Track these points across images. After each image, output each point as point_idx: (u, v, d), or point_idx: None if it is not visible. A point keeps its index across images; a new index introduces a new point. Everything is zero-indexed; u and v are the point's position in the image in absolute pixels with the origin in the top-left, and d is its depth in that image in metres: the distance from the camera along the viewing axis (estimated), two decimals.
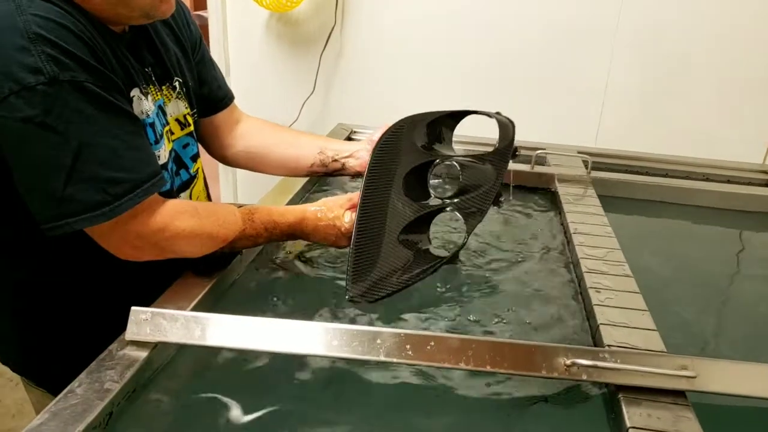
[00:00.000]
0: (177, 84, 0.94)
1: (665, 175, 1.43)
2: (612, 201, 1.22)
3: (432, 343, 0.67)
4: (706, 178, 1.42)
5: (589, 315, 0.83)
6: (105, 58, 0.73)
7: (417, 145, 1.07)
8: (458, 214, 0.98)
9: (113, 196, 0.71)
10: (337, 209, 0.92)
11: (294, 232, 0.91)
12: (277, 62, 1.92)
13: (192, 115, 0.98)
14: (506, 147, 1.06)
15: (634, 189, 1.31)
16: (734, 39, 1.65)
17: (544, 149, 1.39)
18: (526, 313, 0.86)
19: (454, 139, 1.16)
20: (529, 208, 1.24)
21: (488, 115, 1.13)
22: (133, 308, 0.71)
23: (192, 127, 0.97)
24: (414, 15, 1.77)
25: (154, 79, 0.88)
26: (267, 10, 1.80)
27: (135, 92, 0.81)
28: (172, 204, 0.79)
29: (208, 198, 1.08)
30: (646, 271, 0.96)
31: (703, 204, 1.29)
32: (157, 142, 0.85)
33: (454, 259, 0.95)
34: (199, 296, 0.80)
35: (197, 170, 1.00)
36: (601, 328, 0.77)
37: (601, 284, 0.88)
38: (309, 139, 1.15)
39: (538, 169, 1.33)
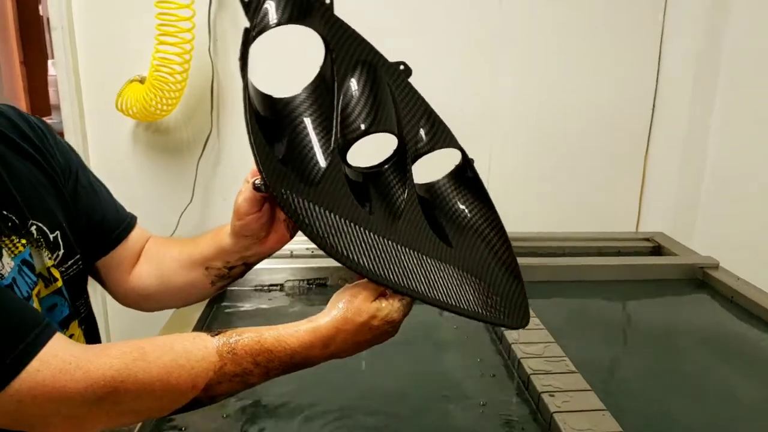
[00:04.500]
0: (33, 230, 0.72)
1: (563, 254, 1.48)
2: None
3: None
4: (600, 252, 1.48)
5: (551, 425, 0.77)
6: None
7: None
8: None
9: None
10: (362, 303, 0.63)
11: (305, 360, 0.64)
12: (149, 173, 1.77)
13: (64, 267, 0.76)
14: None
15: (539, 272, 1.32)
16: (600, 117, 1.80)
17: None
18: None
19: None
20: None
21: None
22: None
23: (60, 283, 0.75)
24: None
25: (12, 225, 0.69)
26: (134, 119, 1.66)
27: None
28: (101, 349, 0.60)
29: None
30: (580, 358, 0.93)
31: (604, 278, 1.33)
32: None
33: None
34: None
35: (70, 337, 0.74)
36: None
37: (551, 386, 0.83)
38: (191, 258, 0.85)
39: None
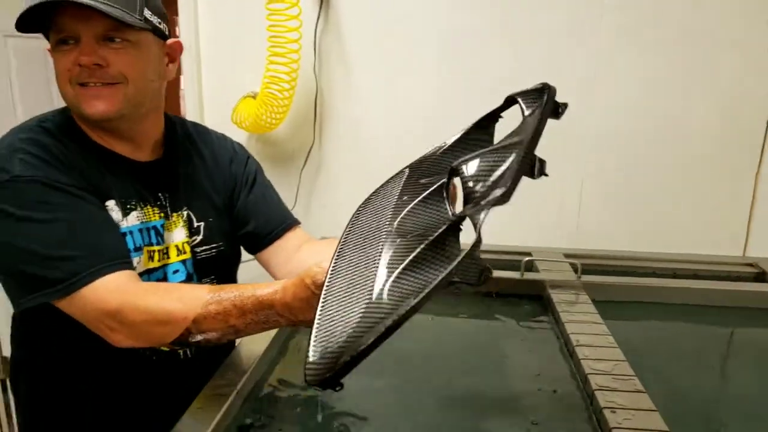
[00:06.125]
0: (185, 214, 1.01)
1: (653, 275, 1.43)
2: (605, 305, 1.20)
3: None
4: (695, 275, 1.42)
5: None
6: (78, 169, 0.87)
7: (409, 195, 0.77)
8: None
9: (69, 273, 0.80)
10: (313, 267, 0.74)
11: (272, 307, 0.78)
12: None
13: (198, 249, 1.02)
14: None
15: (625, 291, 1.30)
16: (705, 133, 1.72)
17: (531, 255, 1.38)
18: None
19: None
20: (521, 317, 1.21)
21: (502, 110, 0.79)
22: None
23: (188, 255, 1.01)
24: (391, 131, 1.82)
25: (163, 204, 0.98)
26: (246, 131, 1.83)
27: (109, 203, 0.91)
28: (135, 283, 0.84)
29: None
30: (653, 380, 0.92)
31: (696, 302, 1.28)
32: (130, 251, 0.92)
33: (471, 275, 0.63)
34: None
35: None
36: None
37: (614, 403, 0.84)
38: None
39: (528, 275, 1.32)
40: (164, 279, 0.98)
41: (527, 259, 1.33)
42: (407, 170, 0.84)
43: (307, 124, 1.84)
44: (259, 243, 1.10)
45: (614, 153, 1.76)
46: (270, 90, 1.70)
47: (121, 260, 0.84)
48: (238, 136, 1.89)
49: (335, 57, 1.79)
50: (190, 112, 1.92)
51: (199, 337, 0.81)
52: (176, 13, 1.90)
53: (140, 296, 0.81)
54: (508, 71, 1.73)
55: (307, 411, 0.89)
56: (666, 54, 1.69)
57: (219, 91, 1.88)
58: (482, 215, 0.63)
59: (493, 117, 0.83)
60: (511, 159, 0.67)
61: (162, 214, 0.97)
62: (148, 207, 0.95)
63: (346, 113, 1.83)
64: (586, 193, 1.78)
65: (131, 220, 0.93)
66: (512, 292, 1.30)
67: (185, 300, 0.81)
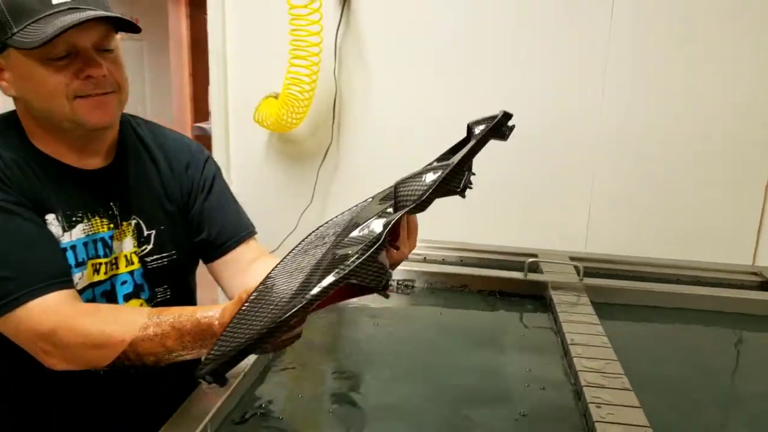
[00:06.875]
0: (133, 223, 0.96)
1: (657, 280, 1.46)
2: (605, 307, 1.24)
3: None
4: (698, 281, 1.44)
5: None
6: (16, 184, 0.83)
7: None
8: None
9: (2, 294, 0.77)
10: (252, 288, 0.73)
11: (210, 327, 0.77)
12: (277, 176, 2.00)
13: (139, 254, 0.96)
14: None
15: (627, 295, 1.33)
16: (715, 141, 1.74)
17: (536, 256, 1.42)
18: None
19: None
20: (522, 316, 1.26)
21: (468, 140, 0.79)
22: None
23: (136, 266, 0.96)
24: (407, 133, 1.87)
25: (113, 214, 0.93)
26: (268, 130, 1.90)
27: (49, 217, 0.86)
28: (71, 304, 0.81)
29: None
30: (644, 381, 0.95)
31: (697, 308, 1.31)
32: (70, 267, 0.88)
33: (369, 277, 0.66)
34: None
35: None
36: None
37: (601, 399, 0.88)
38: None
39: (532, 276, 1.36)
40: (112, 290, 0.93)
41: (531, 260, 1.37)
42: (370, 198, 0.86)
43: (325, 124, 1.91)
44: (211, 253, 1.04)
45: (624, 159, 1.79)
46: (291, 91, 1.77)
47: (58, 279, 0.81)
48: (259, 134, 1.98)
49: (354, 60, 1.85)
50: (215, 110, 2.00)
51: (135, 360, 0.78)
52: (205, 12, 1.98)
53: (76, 318, 0.78)
54: (523, 74, 1.77)
55: (304, 401, 0.95)
56: (678, 60, 1.71)
57: (243, 90, 1.95)
58: (392, 222, 0.70)
59: (461, 147, 0.83)
60: (438, 174, 0.74)
61: (111, 225, 0.92)
62: (96, 218, 0.91)
63: (364, 115, 1.89)
64: (596, 198, 1.81)
65: (76, 234, 0.88)
66: (515, 292, 1.34)
67: (122, 322, 0.79)
